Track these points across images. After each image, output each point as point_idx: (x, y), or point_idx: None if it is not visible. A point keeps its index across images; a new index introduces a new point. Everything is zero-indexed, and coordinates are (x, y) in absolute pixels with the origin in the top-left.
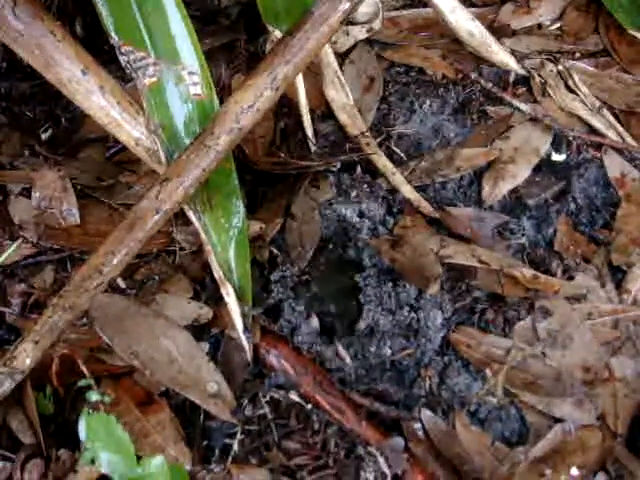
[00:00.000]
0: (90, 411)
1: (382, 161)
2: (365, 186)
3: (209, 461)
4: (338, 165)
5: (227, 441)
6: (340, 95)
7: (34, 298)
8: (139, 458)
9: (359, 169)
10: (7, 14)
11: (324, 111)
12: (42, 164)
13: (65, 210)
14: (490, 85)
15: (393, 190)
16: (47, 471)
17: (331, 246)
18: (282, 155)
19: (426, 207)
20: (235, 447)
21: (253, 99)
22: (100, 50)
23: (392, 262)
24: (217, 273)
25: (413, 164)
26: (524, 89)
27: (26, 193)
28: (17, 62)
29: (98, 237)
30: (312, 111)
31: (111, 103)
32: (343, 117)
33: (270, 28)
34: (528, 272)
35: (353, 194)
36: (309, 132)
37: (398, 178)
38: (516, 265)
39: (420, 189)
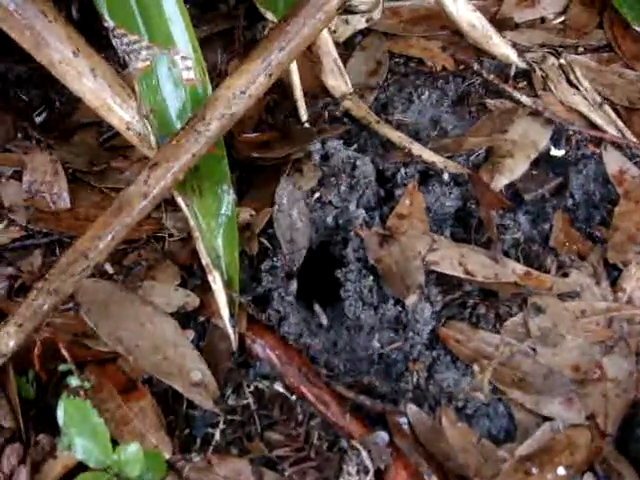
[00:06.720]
0: (70, 396)
1: (396, 133)
2: (351, 170)
3: (190, 450)
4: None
5: (209, 430)
6: (339, 83)
7: (21, 281)
8: (118, 445)
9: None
10: None
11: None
12: (34, 147)
13: (55, 194)
14: (492, 77)
15: (383, 172)
16: (26, 456)
17: (321, 236)
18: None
19: (454, 166)
20: (217, 437)
21: (246, 85)
22: (97, 35)
23: (377, 262)
24: (204, 260)
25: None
26: (525, 83)
27: (17, 176)
28: (13, 45)
29: (88, 222)
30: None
31: (102, 86)
32: (347, 103)
33: (268, 15)
34: (520, 269)
35: (340, 179)
36: (304, 117)
37: (416, 146)
38: (504, 273)
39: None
